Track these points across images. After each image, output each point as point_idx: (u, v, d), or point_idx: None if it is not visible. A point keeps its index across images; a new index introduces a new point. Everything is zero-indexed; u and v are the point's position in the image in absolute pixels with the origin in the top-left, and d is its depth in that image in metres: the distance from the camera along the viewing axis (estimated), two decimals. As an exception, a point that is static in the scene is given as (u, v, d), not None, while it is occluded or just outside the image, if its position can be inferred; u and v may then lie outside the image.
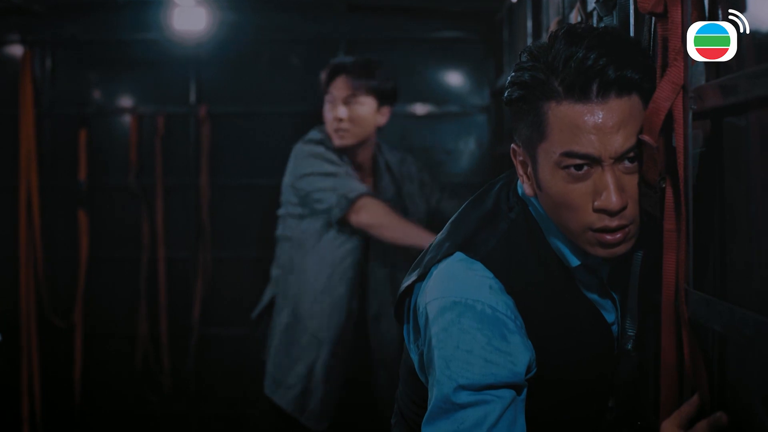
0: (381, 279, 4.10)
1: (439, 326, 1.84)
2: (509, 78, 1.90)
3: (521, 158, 1.92)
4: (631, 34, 2.08)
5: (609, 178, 1.78)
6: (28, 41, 5.65)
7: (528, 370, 1.83)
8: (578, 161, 1.79)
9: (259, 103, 5.71)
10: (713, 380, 1.66)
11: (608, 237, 1.81)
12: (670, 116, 1.69)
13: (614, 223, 1.80)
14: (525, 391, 1.83)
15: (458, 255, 1.90)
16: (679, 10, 1.67)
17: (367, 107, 3.98)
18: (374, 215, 3.88)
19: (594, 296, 1.95)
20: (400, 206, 4.14)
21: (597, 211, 1.80)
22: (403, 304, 2.02)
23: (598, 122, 1.77)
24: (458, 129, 5.74)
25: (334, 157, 3.98)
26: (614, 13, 2.23)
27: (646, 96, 1.78)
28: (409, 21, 5.66)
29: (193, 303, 5.70)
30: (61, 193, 5.71)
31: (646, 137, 1.74)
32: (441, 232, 2.02)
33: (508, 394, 1.78)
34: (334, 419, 4.14)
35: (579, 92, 1.78)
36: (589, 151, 1.78)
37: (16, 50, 5.70)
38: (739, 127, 1.57)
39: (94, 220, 5.70)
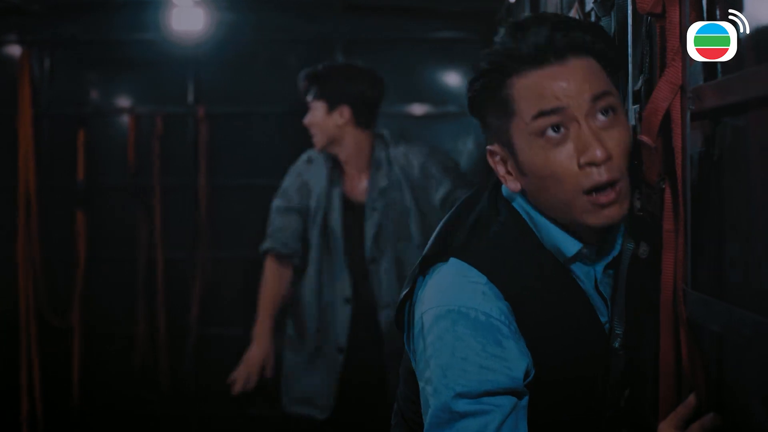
0: (386, 268, 4.16)
1: (434, 335, 1.83)
2: (468, 81, 1.92)
3: (498, 156, 1.91)
4: (629, 34, 2.08)
5: (586, 131, 1.78)
6: (27, 41, 5.65)
7: (526, 375, 1.82)
8: (552, 118, 1.79)
9: (257, 104, 5.71)
10: (711, 381, 1.66)
11: (602, 198, 1.80)
12: (668, 116, 1.69)
13: (604, 176, 1.78)
14: (526, 398, 1.82)
15: (452, 261, 1.89)
16: (677, 10, 1.67)
17: (317, 112, 4.20)
18: (264, 276, 4.43)
19: (589, 293, 1.95)
20: (396, 197, 4.21)
21: (583, 166, 1.79)
22: (403, 310, 2.02)
23: (561, 80, 1.79)
24: (457, 129, 5.74)
25: (297, 180, 4.36)
26: (612, 13, 2.23)
27: (601, 57, 1.83)
28: (408, 21, 5.66)
29: (191, 303, 5.70)
30: (60, 193, 5.71)
31: (644, 138, 1.74)
32: (432, 237, 2.01)
33: (507, 401, 1.77)
34: (348, 409, 4.27)
35: (537, 60, 1.81)
36: (559, 104, 1.79)
37: (15, 50, 5.70)
38: (738, 127, 1.57)
39: (92, 221, 5.70)
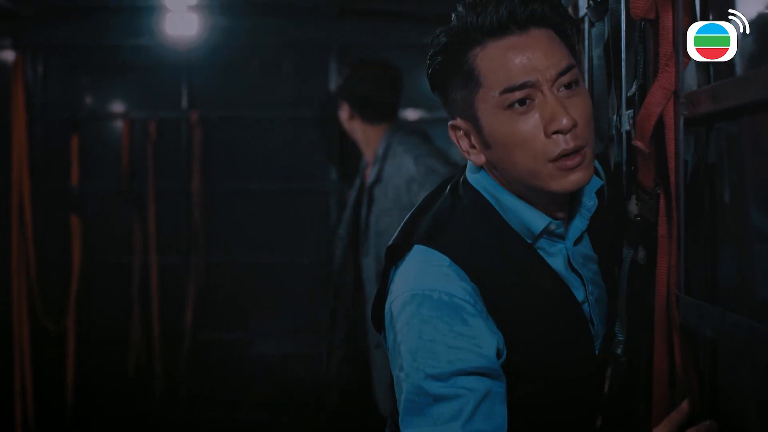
0: (372, 262, 4.25)
1: (402, 322, 1.83)
2: (428, 57, 1.93)
3: (462, 131, 1.92)
4: (623, 39, 2.08)
5: (552, 101, 1.80)
6: (20, 46, 5.63)
7: (498, 354, 1.81)
8: (518, 93, 1.81)
9: (251, 108, 5.70)
10: (705, 385, 1.66)
11: (568, 162, 1.81)
12: (662, 122, 1.69)
13: (570, 144, 1.80)
14: (502, 384, 1.81)
15: (415, 248, 1.90)
16: (671, 15, 1.67)
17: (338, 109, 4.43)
18: None
19: (560, 270, 1.94)
20: (379, 194, 4.27)
21: (551, 135, 1.80)
22: (379, 308, 2.00)
23: (525, 51, 1.81)
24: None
25: None
26: (606, 18, 2.23)
27: (558, 29, 1.85)
28: (402, 26, 5.65)
29: (185, 307, 5.69)
30: (54, 198, 5.70)
31: (638, 143, 1.74)
32: (398, 230, 2.01)
33: (481, 384, 1.76)
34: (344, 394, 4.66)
35: (499, 31, 1.82)
36: (525, 79, 1.80)
37: (8, 55, 5.68)
38: (731, 132, 1.58)
39: (87, 226, 5.68)
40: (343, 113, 4.37)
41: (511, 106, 1.81)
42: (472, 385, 1.76)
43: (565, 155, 1.81)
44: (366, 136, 4.36)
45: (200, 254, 5.70)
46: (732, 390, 1.60)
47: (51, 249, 5.70)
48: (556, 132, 1.80)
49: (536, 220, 1.90)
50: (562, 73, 1.81)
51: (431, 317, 1.80)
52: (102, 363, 5.73)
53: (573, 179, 1.83)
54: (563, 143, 1.80)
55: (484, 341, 1.79)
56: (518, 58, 1.81)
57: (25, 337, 5.57)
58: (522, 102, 1.81)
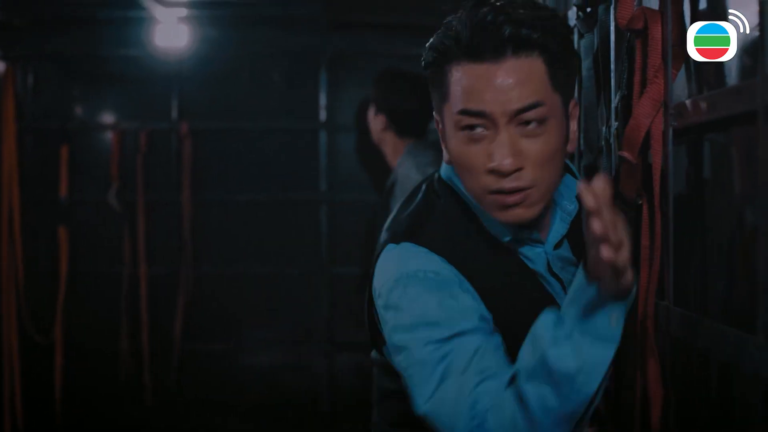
0: None
1: (392, 309, 1.82)
2: (426, 46, 1.90)
3: (440, 125, 1.91)
4: (612, 50, 2.08)
5: (503, 139, 1.76)
6: (10, 57, 5.63)
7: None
8: (473, 120, 1.77)
9: (241, 119, 5.70)
10: (700, 396, 1.66)
11: (508, 199, 1.79)
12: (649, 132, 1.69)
13: (508, 184, 1.77)
14: (499, 335, 1.79)
15: (389, 246, 1.89)
16: (660, 27, 1.67)
17: (369, 114, 4.43)
18: None
19: (541, 274, 1.92)
20: (387, 206, 4.29)
21: (489, 173, 1.78)
22: (370, 313, 1.99)
23: (492, 81, 1.76)
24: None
25: None
26: (595, 30, 2.24)
27: (550, 57, 1.77)
28: (393, 36, 5.66)
29: (175, 318, 5.68)
30: (43, 208, 5.69)
31: (626, 154, 1.74)
32: (380, 240, 2.00)
33: (479, 335, 1.75)
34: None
35: (475, 52, 1.77)
36: (482, 108, 1.76)
37: (-2, 65, 5.69)
38: (721, 143, 1.58)
39: (76, 236, 5.67)
40: (377, 124, 4.37)
41: (464, 128, 1.79)
42: (470, 338, 1.74)
43: (502, 192, 1.79)
44: (394, 148, 4.39)
45: (190, 265, 5.70)
46: (724, 399, 1.61)
47: (40, 259, 5.70)
48: (494, 172, 1.77)
49: (501, 233, 1.88)
50: (523, 110, 1.76)
51: (419, 294, 1.79)
52: (91, 373, 5.71)
53: (512, 215, 1.81)
54: (502, 182, 1.77)
55: (475, 308, 1.78)
56: (483, 86, 1.76)
57: (14, 346, 5.55)
58: (473, 127, 1.78)
